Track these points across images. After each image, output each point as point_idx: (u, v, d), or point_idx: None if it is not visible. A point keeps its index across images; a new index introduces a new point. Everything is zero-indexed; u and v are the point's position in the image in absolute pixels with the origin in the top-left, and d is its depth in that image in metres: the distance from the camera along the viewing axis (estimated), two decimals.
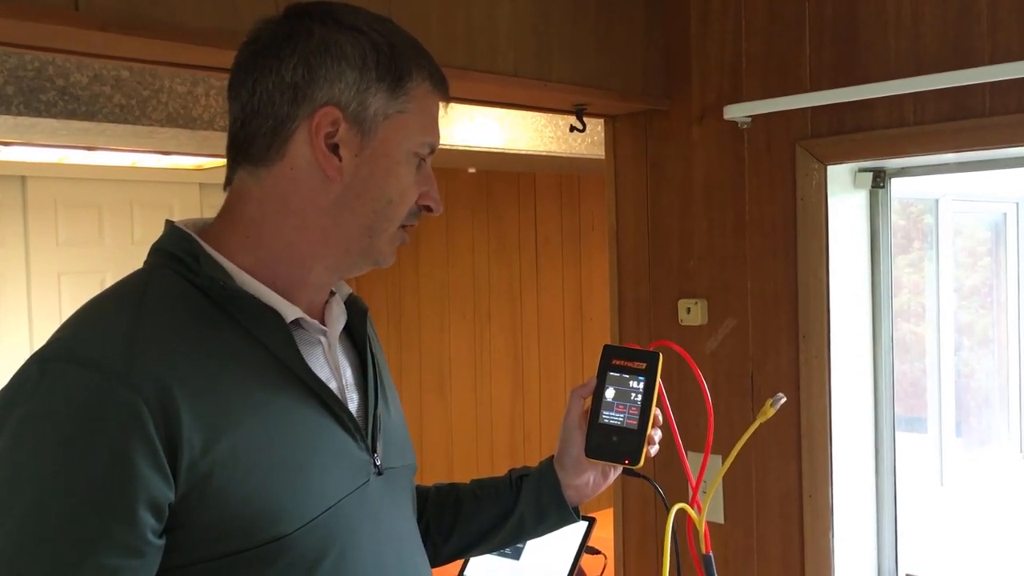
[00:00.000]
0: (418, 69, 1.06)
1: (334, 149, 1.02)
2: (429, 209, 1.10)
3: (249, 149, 1.03)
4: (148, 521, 0.88)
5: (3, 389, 0.92)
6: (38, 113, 2.47)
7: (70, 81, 2.50)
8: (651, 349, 1.25)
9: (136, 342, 0.91)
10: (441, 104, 1.11)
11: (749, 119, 2.07)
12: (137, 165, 3.80)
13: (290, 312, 1.02)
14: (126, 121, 2.60)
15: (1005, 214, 3.80)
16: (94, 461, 0.86)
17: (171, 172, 4.03)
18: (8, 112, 2.42)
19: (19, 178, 3.82)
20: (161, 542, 0.90)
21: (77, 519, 0.86)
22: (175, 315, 0.96)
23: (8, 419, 0.89)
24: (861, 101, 1.90)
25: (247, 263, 1.02)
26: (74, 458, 0.86)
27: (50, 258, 3.92)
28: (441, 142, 1.12)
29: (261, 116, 1.01)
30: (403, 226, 1.09)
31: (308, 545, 0.97)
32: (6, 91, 2.40)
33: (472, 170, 4.88)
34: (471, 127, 3.23)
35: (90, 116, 2.53)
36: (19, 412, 0.88)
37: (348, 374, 1.11)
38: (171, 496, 0.89)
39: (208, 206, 4.28)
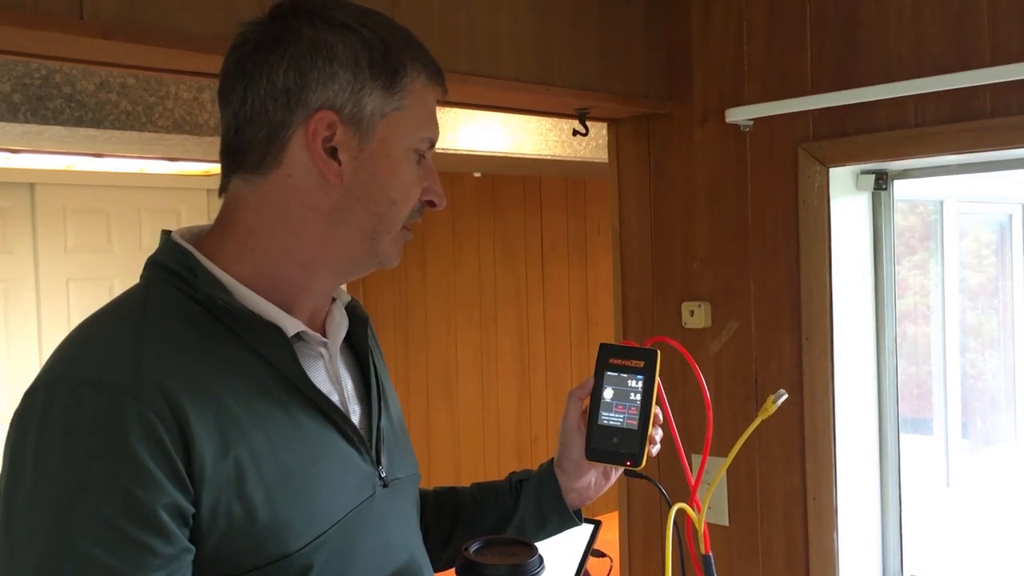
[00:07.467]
0: (412, 63, 1.02)
1: (332, 153, 0.98)
2: (433, 204, 1.07)
3: (244, 158, 1.00)
4: (172, 527, 0.87)
5: (13, 418, 0.90)
6: (45, 120, 2.49)
7: (76, 88, 2.52)
8: (648, 346, 1.23)
9: (141, 358, 0.90)
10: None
11: (751, 122, 2.08)
12: (145, 171, 3.82)
13: (291, 326, 1.00)
14: (132, 128, 2.62)
15: (1011, 215, 3.80)
16: (113, 474, 0.85)
17: (178, 178, 4.06)
18: (15, 120, 2.44)
19: (27, 185, 3.84)
20: (191, 548, 0.89)
21: (104, 530, 0.84)
22: (177, 330, 0.94)
23: (22, 447, 0.88)
24: (863, 103, 1.91)
25: (246, 273, 1.00)
26: (94, 473, 0.85)
27: (59, 264, 3.94)
28: (446, 147, 1.11)
29: (255, 124, 0.98)
30: (405, 225, 1.06)
31: (317, 561, 0.95)
32: (13, 99, 2.43)
33: (477, 174, 4.90)
34: (476, 131, 3.24)
35: (97, 123, 2.55)
36: (31, 440, 0.87)
37: (349, 385, 1.09)
38: (190, 507, 0.88)
39: (216, 212, 4.29)
